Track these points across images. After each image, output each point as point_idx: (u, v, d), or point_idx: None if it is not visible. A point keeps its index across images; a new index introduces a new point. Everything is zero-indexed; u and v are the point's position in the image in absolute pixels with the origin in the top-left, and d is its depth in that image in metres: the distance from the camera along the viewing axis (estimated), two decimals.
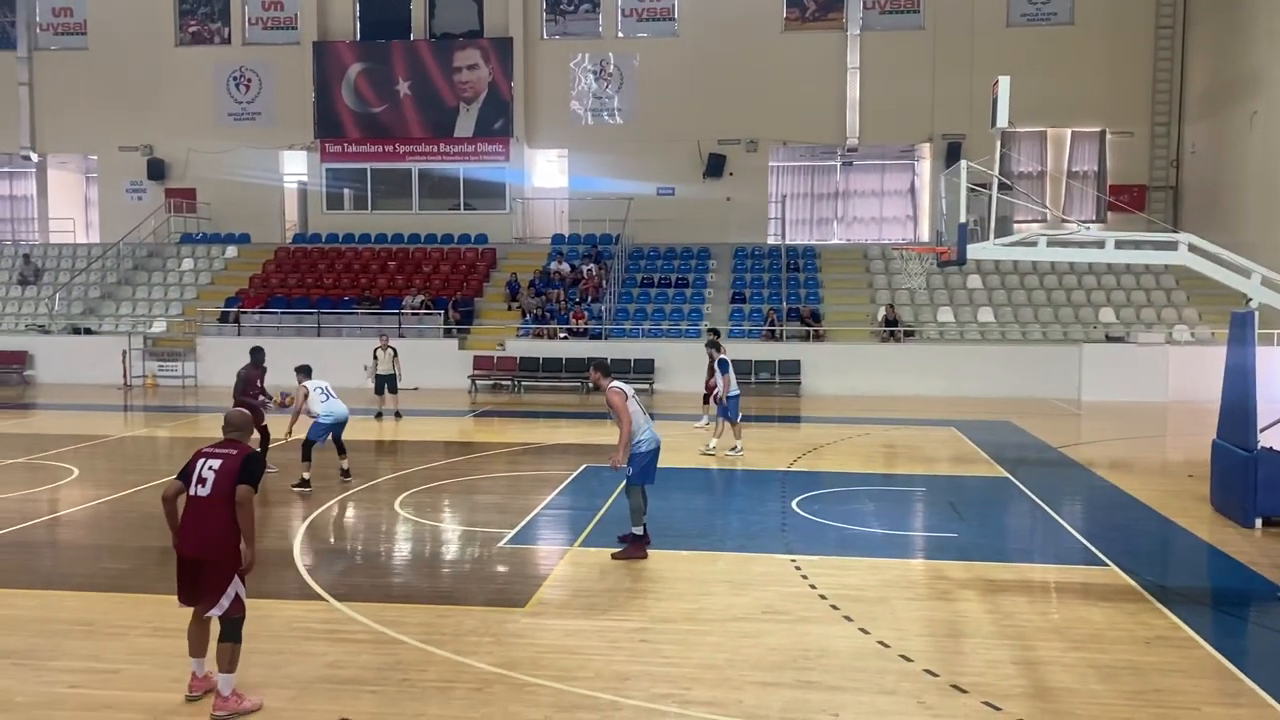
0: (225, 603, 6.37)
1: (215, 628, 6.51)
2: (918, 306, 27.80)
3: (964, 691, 6.75)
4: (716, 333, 20.04)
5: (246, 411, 7.01)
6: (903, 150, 32.71)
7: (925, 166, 32.07)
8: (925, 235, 31.12)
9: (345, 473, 13.77)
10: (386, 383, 20.54)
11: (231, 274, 31.07)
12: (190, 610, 6.60)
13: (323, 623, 8.13)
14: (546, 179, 33.83)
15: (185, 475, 6.48)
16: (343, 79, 32.76)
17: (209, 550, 6.34)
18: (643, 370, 25.39)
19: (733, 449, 15.94)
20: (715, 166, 31.75)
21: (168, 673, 7.01)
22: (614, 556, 9.97)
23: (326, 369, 25.38)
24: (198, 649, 6.62)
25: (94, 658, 7.40)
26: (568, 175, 33.12)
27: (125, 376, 26.66)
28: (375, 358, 20.59)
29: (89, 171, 36.04)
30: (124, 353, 26.75)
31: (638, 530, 10.06)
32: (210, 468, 6.40)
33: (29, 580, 9.38)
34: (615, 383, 10.02)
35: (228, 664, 6.33)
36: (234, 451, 6.49)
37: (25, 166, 35.43)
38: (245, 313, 28.37)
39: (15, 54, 33.88)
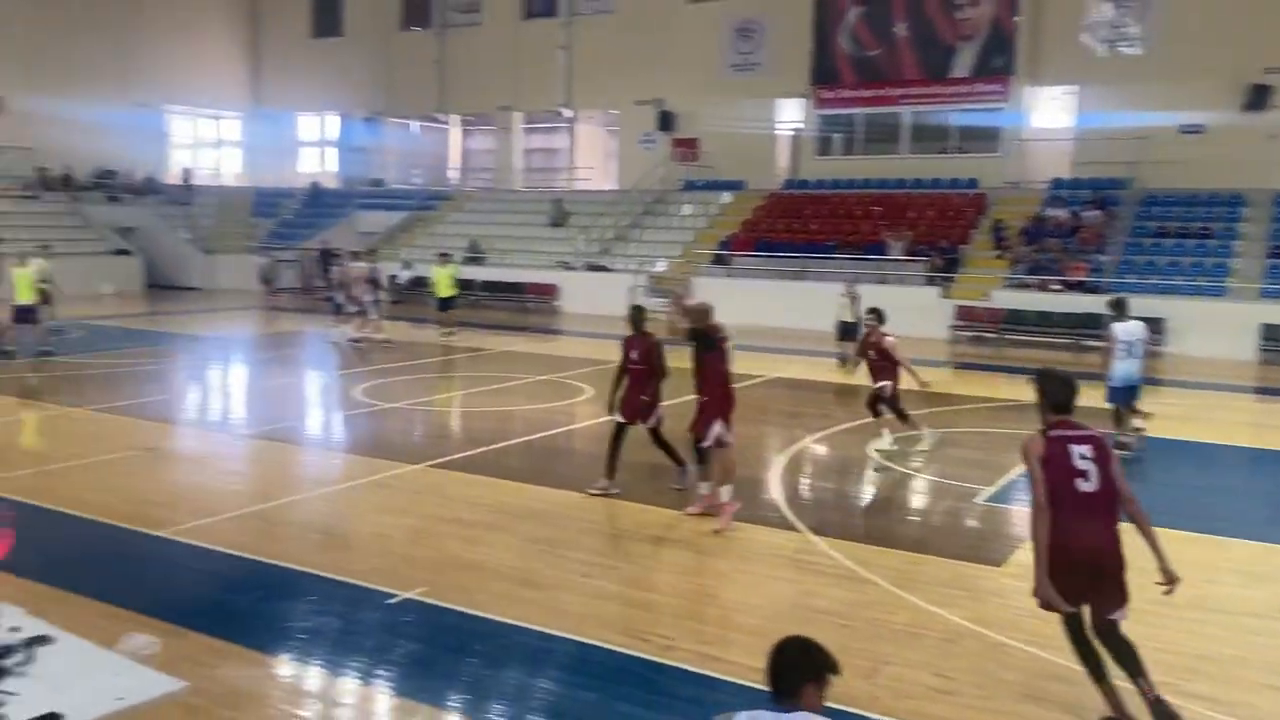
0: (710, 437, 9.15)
1: None
2: None
3: None
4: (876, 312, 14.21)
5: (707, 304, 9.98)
6: None
7: None
8: None
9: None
10: (848, 330, 20.42)
11: (726, 219, 32.82)
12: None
13: (796, 553, 8.44)
14: (1045, 119, 31.40)
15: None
16: (840, 23, 32.85)
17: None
18: (1151, 330, 22.77)
19: None
20: (1258, 99, 27.29)
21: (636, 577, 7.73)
22: None
23: (806, 313, 26.27)
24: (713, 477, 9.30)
25: (600, 553, 8.40)
26: (1073, 114, 30.44)
27: None
28: (852, 299, 20.36)
29: (609, 125, 39.99)
30: (630, 289, 29.42)
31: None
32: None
33: (553, 480, 10.76)
34: None
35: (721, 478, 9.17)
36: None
37: (560, 122, 40.23)
38: (735, 256, 29.92)
39: (558, 20, 38.34)
